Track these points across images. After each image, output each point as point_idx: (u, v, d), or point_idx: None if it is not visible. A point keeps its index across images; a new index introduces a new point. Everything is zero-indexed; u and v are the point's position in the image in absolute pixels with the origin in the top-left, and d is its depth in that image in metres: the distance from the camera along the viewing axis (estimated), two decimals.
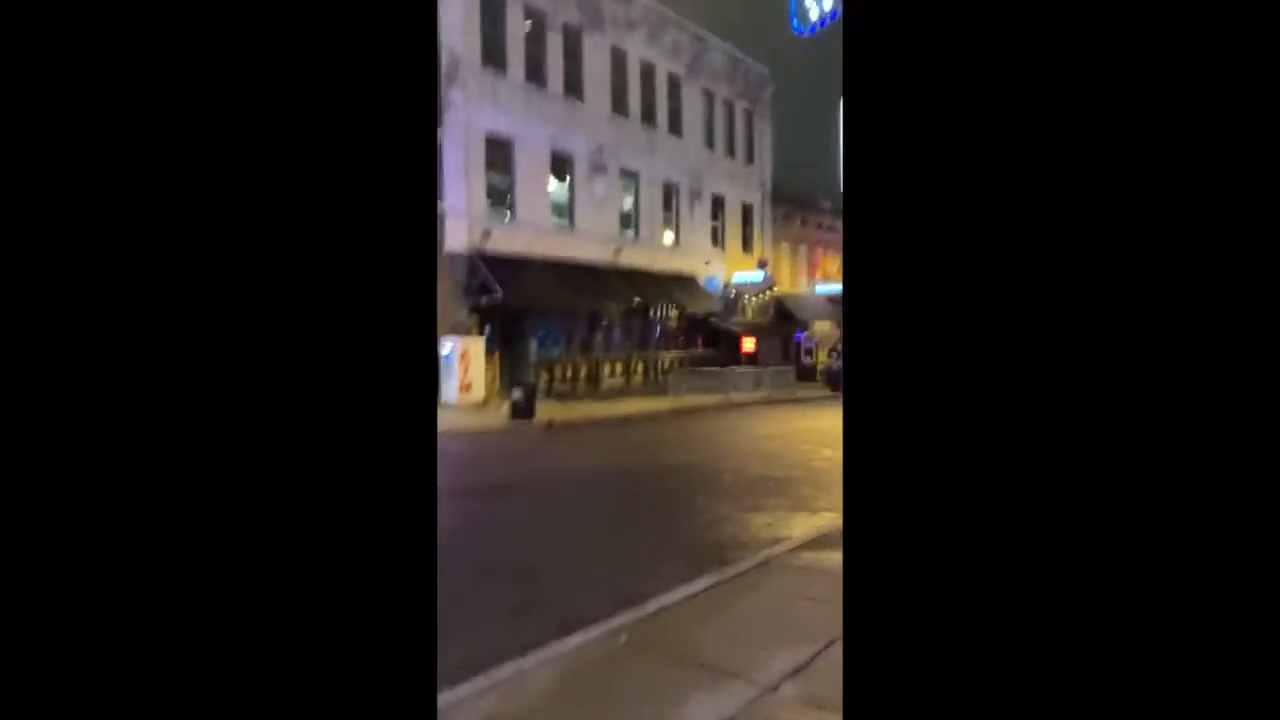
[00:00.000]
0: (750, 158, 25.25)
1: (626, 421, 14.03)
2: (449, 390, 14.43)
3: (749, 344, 22.68)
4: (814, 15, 5.60)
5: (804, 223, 28.40)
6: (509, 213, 17.26)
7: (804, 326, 26.08)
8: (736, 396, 18.24)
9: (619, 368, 19.27)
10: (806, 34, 5.62)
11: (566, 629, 3.35)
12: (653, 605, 3.62)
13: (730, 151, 24.31)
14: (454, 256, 15.40)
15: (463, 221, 15.76)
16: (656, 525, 5.85)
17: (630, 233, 20.42)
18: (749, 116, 25.19)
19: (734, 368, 19.47)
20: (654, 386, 19.34)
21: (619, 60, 19.77)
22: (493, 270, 15.78)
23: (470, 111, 16.03)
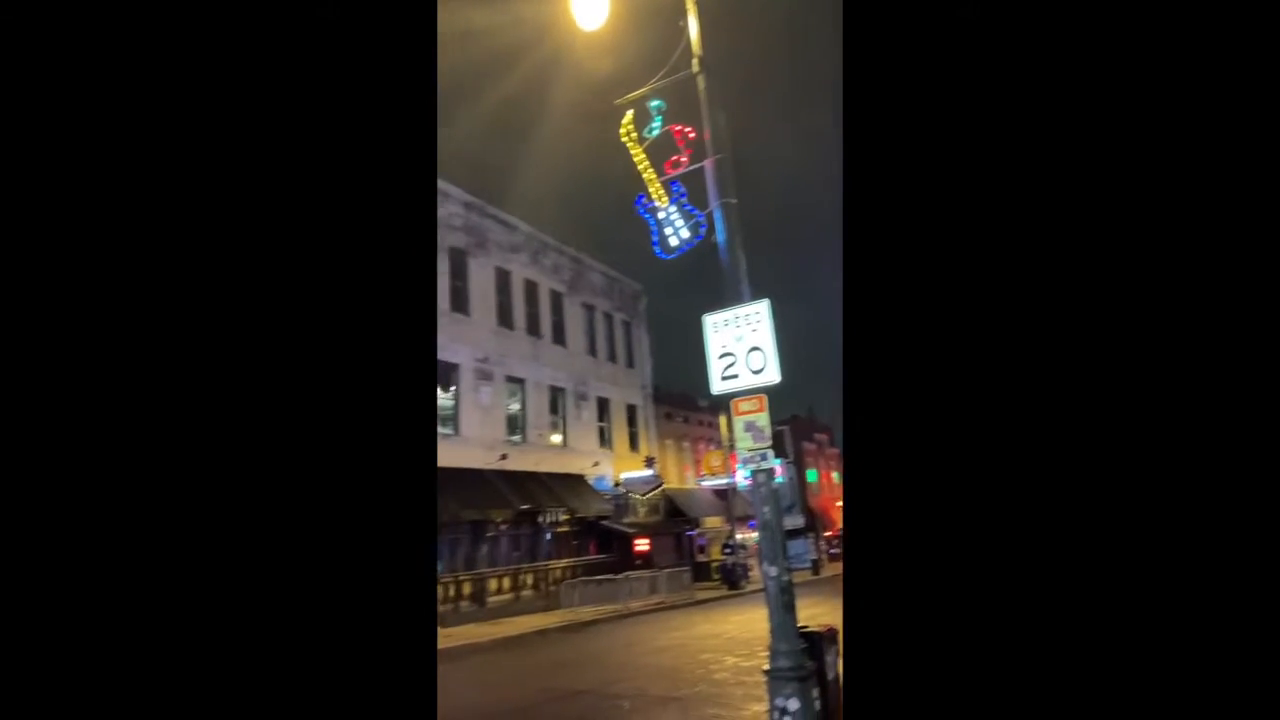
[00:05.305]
0: (630, 362, 26.68)
1: (514, 644, 12.82)
2: None
3: (642, 544, 22.15)
4: (674, 243, 6.36)
5: (685, 420, 29.61)
6: None
7: (695, 524, 26.00)
8: (633, 604, 17.34)
9: (506, 582, 17.95)
10: (669, 259, 6.31)
11: None
12: None
13: (612, 357, 25.64)
14: None
15: None
16: None
17: (518, 436, 20.32)
18: (627, 326, 27.06)
19: (629, 574, 18.71)
20: (545, 599, 18.07)
21: (504, 279, 21.07)
22: None
23: None
